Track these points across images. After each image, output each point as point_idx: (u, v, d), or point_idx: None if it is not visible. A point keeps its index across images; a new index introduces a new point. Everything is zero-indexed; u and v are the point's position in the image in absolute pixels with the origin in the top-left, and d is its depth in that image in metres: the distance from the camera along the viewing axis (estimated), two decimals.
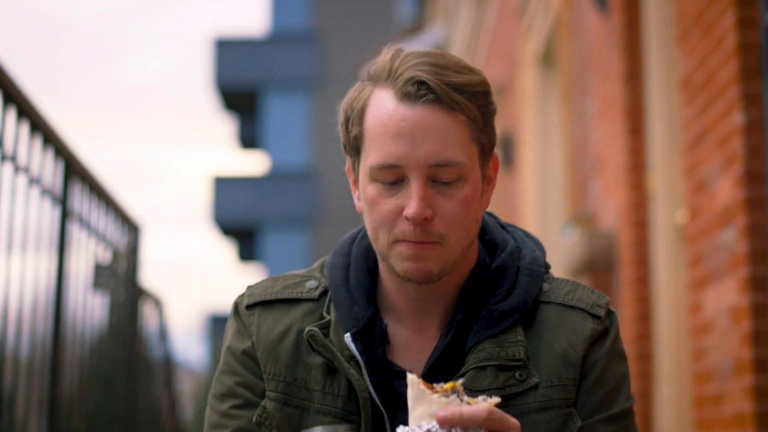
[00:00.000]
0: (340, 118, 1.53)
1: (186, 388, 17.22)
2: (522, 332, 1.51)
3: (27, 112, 2.90)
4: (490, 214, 1.64)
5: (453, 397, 1.30)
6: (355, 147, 1.51)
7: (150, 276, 23.99)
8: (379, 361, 1.51)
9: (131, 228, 4.56)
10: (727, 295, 3.49)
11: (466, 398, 1.31)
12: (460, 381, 1.34)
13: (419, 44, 13.76)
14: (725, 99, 3.51)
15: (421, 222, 1.44)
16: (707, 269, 3.75)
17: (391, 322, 1.55)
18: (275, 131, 25.25)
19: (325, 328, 1.54)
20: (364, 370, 1.50)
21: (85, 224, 3.72)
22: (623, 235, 4.99)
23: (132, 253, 4.63)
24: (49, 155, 3.21)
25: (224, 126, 70.53)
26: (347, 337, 1.51)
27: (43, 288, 3.31)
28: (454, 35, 13.79)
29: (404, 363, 1.52)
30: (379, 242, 1.49)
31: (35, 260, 3.16)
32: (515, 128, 8.56)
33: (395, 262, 1.48)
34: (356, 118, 1.50)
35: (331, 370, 1.52)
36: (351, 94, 1.52)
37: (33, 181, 3.05)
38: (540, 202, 7.54)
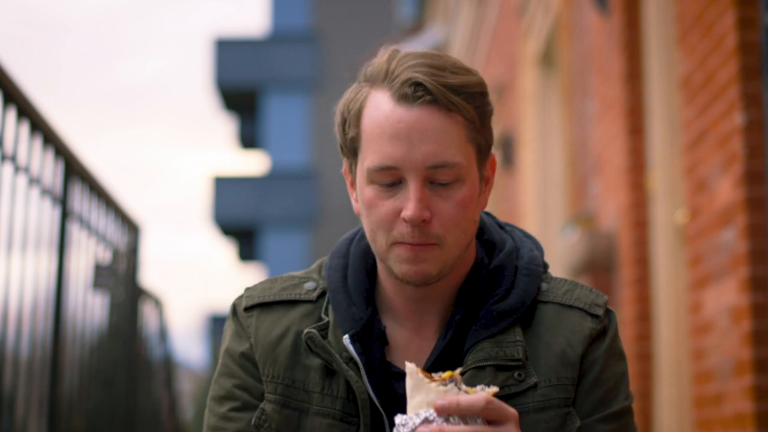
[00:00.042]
0: (337, 119, 1.53)
1: (186, 388, 17.22)
2: (521, 332, 1.51)
3: (27, 112, 2.90)
4: (488, 213, 1.64)
5: (451, 386, 1.31)
6: (352, 149, 1.51)
7: (150, 276, 23.99)
8: (377, 363, 1.51)
9: (131, 228, 4.56)
10: (727, 295, 3.49)
11: (464, 387, 1.32)
12: (458, 370, 1.34)
13: (419, 44, 13.76)
14: (725, 99, 3.51)
15: (419, 224, 1.44)
16: (707, 269, 3.75)
17: (389, 323, 1.55)
18: (275, 131, 25.25)
19: (323, 329, 1.53)
20: (362, 372, 1.50)
21: (85, 224, 3.72)
22: (623, 235, 4.99)
23: (132, 253, 4.63)
24: (49, 155, 3.21)
25: (224, 126, 70.53)
26: (346, 338, 1.51)
27: (43, 288, 3.31)
28: (454, 35, 13.79)
29: (403, 364, 1.52)
30: (378, 244, 1.49)
31: (35, 260, 3.16)
32: (515, 128, 8.56)
33: (394, 264, 1.48)
34: (353, 119, 1.49)
35: (329, 371, 1.52)
36: (348, 95, 1.52)
37: (33, 181, 3.04)
38: (540, 202, 7.54)
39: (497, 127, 9.57)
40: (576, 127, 6.27)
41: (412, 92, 1.44)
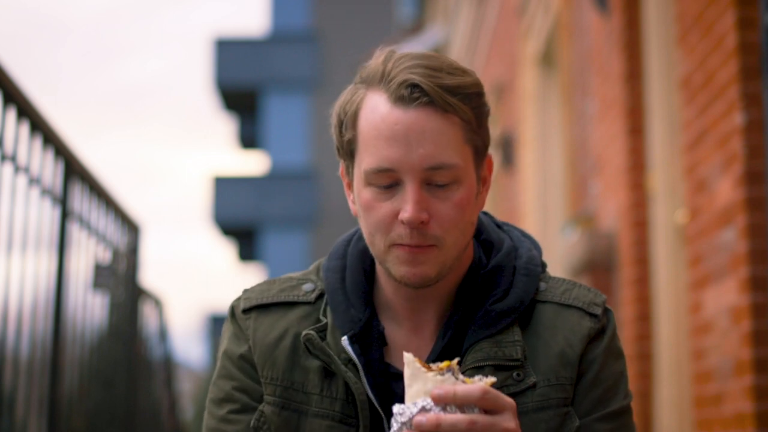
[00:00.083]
0: (333, 121, 1.52)
1: (186, 388, 17.22)
2: (519, 332, 1.51)
3: (27, 112, 2.90)
4: (485, 213, 1.63)
5: (448, 375, 1.31)
6: (348, 151, 1.50)
7: (150, 276, 24.00)
8: (376, 364, 1.51)
9: (131, 228, 4.56)
10: (727, 295, 3.49)
11: (461, 377, 1.32)
12: (456, 360, 1.34)
13: (419, 44, 13.77)
14: (725, 99, 3.51)
15: (417, 226, 1.44)
16: (707, 269, 3.75)
17: (388, 323, 1.55)
18: (275, 131, 25.25)
19: (321, 331, 1.53)
20: (361, 373, 1.49)
21: (85, 224, 3.72)
22: (623, 235, 4.99)
23: (132, 253, 4.63)
24: (49, 155, 3.21)
25: (224, 126, 70.54)
26: (344, 340, 1.50)
27: (43, 288, 3.31)
28: (454, 35, 13.79)
29: (402, 365, 1.52)
30: (376, 246, 1.49)
31: (35, 260, 3.16)
32: (515, 128, 8.56)
33: (392, 266, 1.48)
34: (349, 121, 1.49)
35: (328, 373, 1.51)
36: (344, 97, 1.51)
37: (33, 181, 3.04)
38: (540, 202, 7.54)
39: (497, 127, 9.58)
40: (576, 127, 6.27)
41: (409, 94, 1.43)
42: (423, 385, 1.30)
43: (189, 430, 8.06)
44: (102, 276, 4.01)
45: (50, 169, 3.24)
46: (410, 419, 1.29)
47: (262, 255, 24.95)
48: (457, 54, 13.35)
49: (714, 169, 3.65)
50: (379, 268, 1.55)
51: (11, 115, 2.79)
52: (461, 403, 1.28)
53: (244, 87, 25.60)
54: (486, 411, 1.30)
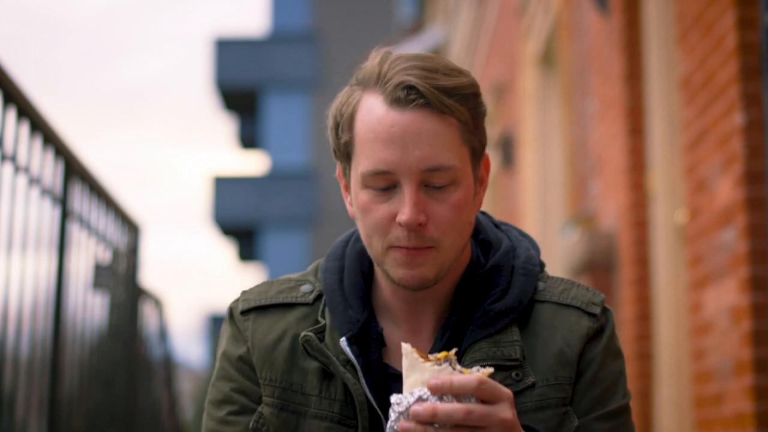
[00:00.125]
0: (330, 123, 1.52)
1: (186, 388, 17.22)
2: (518, 332, 1.51)
3: (27, 112, 2.90)
4: (483, 213, 1.63)
5: (445, 365, 1.32)
6: (345, 153, 1.50)
7: (150, 276, 24.00)
8: (375, 365, 1.51)
9: (131, 228, 4.56)
10: (727, 295, 3.49)
11: (458, 367, 1.33)
12: (454, 351, 1.35)
13: (419, 44, 13.77)
14: (725, 99, 3.51)
15: (415, 228, 1.44)
16: (707, 269, 3.75)
17: (386, 324, 1.55)
18: (275, 131, 25.25)
19: (320, 332, 1.53)
20: (360, 374, 1.49)
21: (85, 224, 3.72)
22: (623, 235, 4.99)
23: (132, 253, 4.63)
24: (49, 155, 3.21)
25: (224, 126, 70.55)
26: (343, 341, 1.50)
27: (43, 288, 3.31)
28: (454, 35, 13.79)
29: (400, 365, 1.52)
30: (374, 249, 1.49)
31: (35, 260, 3.16)
32: (515, 128, 8.56)
33: (390, 268, 1.47)
34: (346, 123, 1.49)
35: (327, 374, 1.51)
36: (340, 99, 1.51)
37: (33, 181, 3.04)
38: (540, 202, 7.54)
39: (497, 127, 9.58)
40: (576, 127, 6.27)
41: (405, 95, 1.43)
42: (420, 375, 1.31)
43: (189, 430, 8.06)
44: (102, 276, 4.01)
45: (50, 169, 3.24)
46: (407, 409, 1.29)
47: (262, 255, 24.95)
48: (457, 54, 13.35)
49: (714, 169, 3.65)
50: (377, 269, 1.55)
51: (11, 115, 2.79)
52: (458, 393, 1.29)
53: (244, 87, 25.59)
54: (483, 401, 1.30)
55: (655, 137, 4.73)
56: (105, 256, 4.09)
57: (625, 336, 4.84)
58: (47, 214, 3.26)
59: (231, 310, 1.60)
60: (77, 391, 3.84)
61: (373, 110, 1.45)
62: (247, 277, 30.06)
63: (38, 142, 3.08)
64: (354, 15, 25.64)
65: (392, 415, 1.31)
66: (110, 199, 4.07)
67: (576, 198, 6.24)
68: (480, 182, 1.53)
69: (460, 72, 1.47)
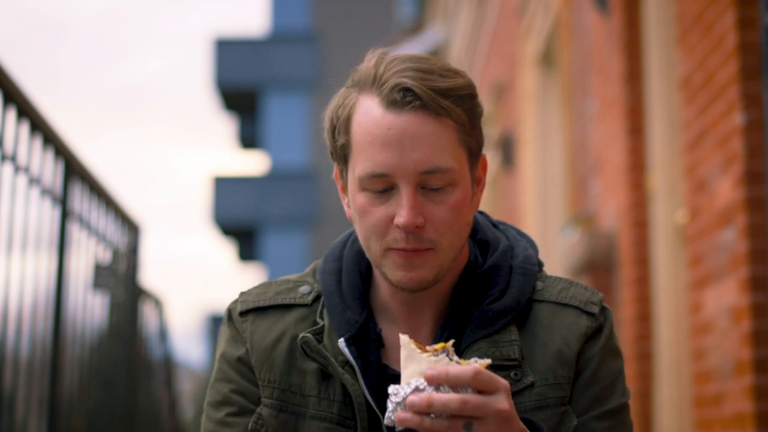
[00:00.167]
0: (326, 125, 1.52)
1: (186, 388, 17.22)
2: (516, 331, 1.51)
3: (27, 112, 2.90)
4: (481, 212, 1.63)
5: (442, 356, 1.32)
6: (342, 155, 1.50)
7: (150, 276, 24.00)
8: (373, 365, 1.51)
9: (131, 228, 4.56)
10: (727, 295, 3.49)
11: (456, 358, 1.33)
12: (451, 342, 1.35)
13: (419, 44, 13.78)
14: (725, 99, 3.51)
15: (413, 230, 1.44)
16: (707, 269, 3.75)
17: (385, 324, 1.55)
18: (275, 131, 25.25)
19: (318, 333, 1.53)
20: (359, 375, 1.49)
21: (85, 224, 3.72)
22: (623, 235, 4.99)
23: (132, 253, 4.63)
24: (49, 155, 3.21)
25: (224, 126, 70.57)
26: (341, 342, 1.50)
27: (43, 288, 3.31)
28: (454, 35, 13.79)
29: (399, 366, 1.52)
30: (372, 251, 1.49)
31: (35, 260, 3.16)
32: (515, 128, 8.57)
33: (388, 270, 1.47)
34: (342, 126, 1.49)
35: (325, 375, 1.51)
36: (336, 101, 1.51)
37: (33, 181, 3.04)
38: (540, 202, 7.54)
39: (497, 127, 9.58)
40: (576, 127, 6.27)
41: (401, 98, 1.43)
42: (417, 366, 1.31)
43: (189, 430, 8.06)
44: (102, 276, 4.01)
45: (50, 169, 3.24)
46: (404, 399, 1.30)
47: (262, 255, 24.95)
48: (457, 54, 13.36)
49: (714, 169, 3.66)
50: (375, 270, 1.54)
51: (11, 115, 2.79)
52: (454, 383, 1.29)
53: (244, 87, 25.59)
54: (479, 392, 1.30)
55: (655, 137, 4.73)
56: (105, 256, 4.09)
57: (625, 336, 4.84)
58: (47, 214, 3.26)
59: (229, 311, 1.60)
60: (77, 391, 3.84)
61: (369, 113, 1.45)
62: (247, 277, 30.07)
63: (38, 142, 3.08)
64: (354, 15, 25.64)
65: (390, 406, 1.31)
66: (110, 199, 4.07)
67: (576, 198, 6.24)
68: (477, 183, 1.53)
69: (456, 73, 1.47)
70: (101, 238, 3.99)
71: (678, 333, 4.43)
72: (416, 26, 17.18)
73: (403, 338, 1.34)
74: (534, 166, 7.69)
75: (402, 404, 1.30)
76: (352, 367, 1.50)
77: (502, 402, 1.30)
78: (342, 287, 1.55)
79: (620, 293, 5.04)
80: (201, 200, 56.53)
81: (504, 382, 1.32)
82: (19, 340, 3.03)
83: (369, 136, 1.44)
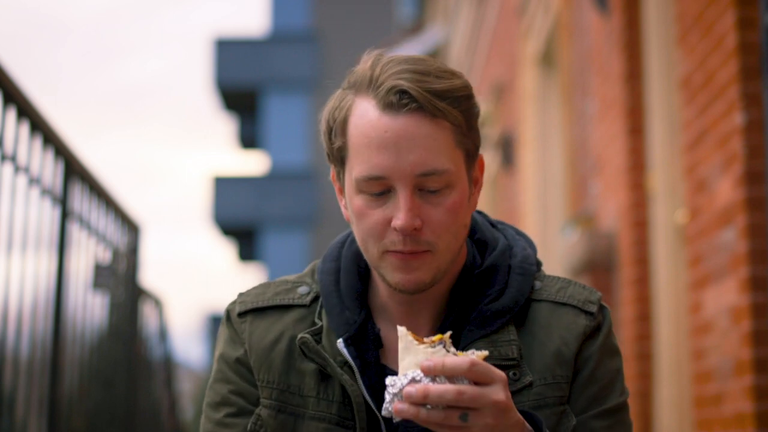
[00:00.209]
0: (323, 127, 1.52)
1: (186, 388, 17.22)
2: (515, 331, 1.51)
3: (27, 112, 2.90)
4: (480, 212, 1.63)
5: (439, 347, 1.33)
6: (339, 157, 1.50)
7: (150, 276, 24.00)
8: (372, 366, 1.51)
9: (131, 228, 4.56)
10: (727, 295, 3.49)
11: (453, 350, 1.34)
12: (448, 333, 1.36)
13: (419, 44, 13.78)
14: (725, 99, 3.51)
15: (411, 232, 1.44)
16: (707, 269, 3.75)
17: (383, 325, 1.55)
18: (275, 131, 25.25)
19: (317, 334, 1.53)
20: (357, 375, 1.49)
21: (85, 224, 3.72)
22: (623, 235, 4.99)
23: (132, 253, 4.63)
24: (49, 155, 3.21)
25: (224, 126, 70.58)
26: (340, 342, 1.50)
27: (43, 288, 3.31)
28: (454, 35, 13.79)
29: (398, 366, 1.52)
30: (369, 253, 1.49)
31: (35, 260, 3.16)
32: (515, 128, 8.56)
33: (386, 273, 1.47)
34: (339, 128, 1.49)
35: (324, 376, 1.51)
36: (332, 103, 1.51)
37: (33, 181, 3.04)
38: (540, 202, 7.54)
39: (497, 127, 9.58)
40: (576, 127, 6.27)
41: (398, 100, 1.42)
42: (414, 358, 1.32)
43: (189, 430, 8.06)
44: (102, 276, 4.01)
45: (50, 169, 3.24)
46: (401, 390, 1.30)
47: (262, 255, 24.95)
48: (457, 54, 13.36)
49: (714, 169, 3.66)
50: (373, 271, 1.54)
51: (11, 115, 2.79)
52: (450, 375, 1.29)
53: (244, 87, 25.59)
54: (475, 383, 1.30)
55: (655, 137, 4.73)
56: (105, 256, 4.09)
57: (625, 336, 4.84)
58: (47, 214, 3.26)
59: (228, 312, 1.60)
60: (77, 391, 3.84)
61: (365, 115, 1.45)
62: (247, 277, 30.07)
63: (38, 142, 3.08)
64: (354, 15, 25.64)
65: (387, 397, 1.32)
66: (110, 199, 4.07)
67: (576, 198, 6.24)
68: (475, 184, 1.53)
69: (452, 74, 1.47)
70: (101, 238, 3.99)
71: (678, 333, 4.43)
72: (416, 26, 17.18)
73: (401, 330, 1.35)
74: (534, 166, 7.69)
75: (399, 395, 1.31)
76: (350, 367, 1.50)
77: (498, 393, 1.30)
78: (340, 287, 1.55)
79: (620, 293, 5.04)
80: (201, 200, 56.57)
81: (500, 374, 1.32)
82: (19, 340, 3.03)
83: (365, 138, 1.44)
